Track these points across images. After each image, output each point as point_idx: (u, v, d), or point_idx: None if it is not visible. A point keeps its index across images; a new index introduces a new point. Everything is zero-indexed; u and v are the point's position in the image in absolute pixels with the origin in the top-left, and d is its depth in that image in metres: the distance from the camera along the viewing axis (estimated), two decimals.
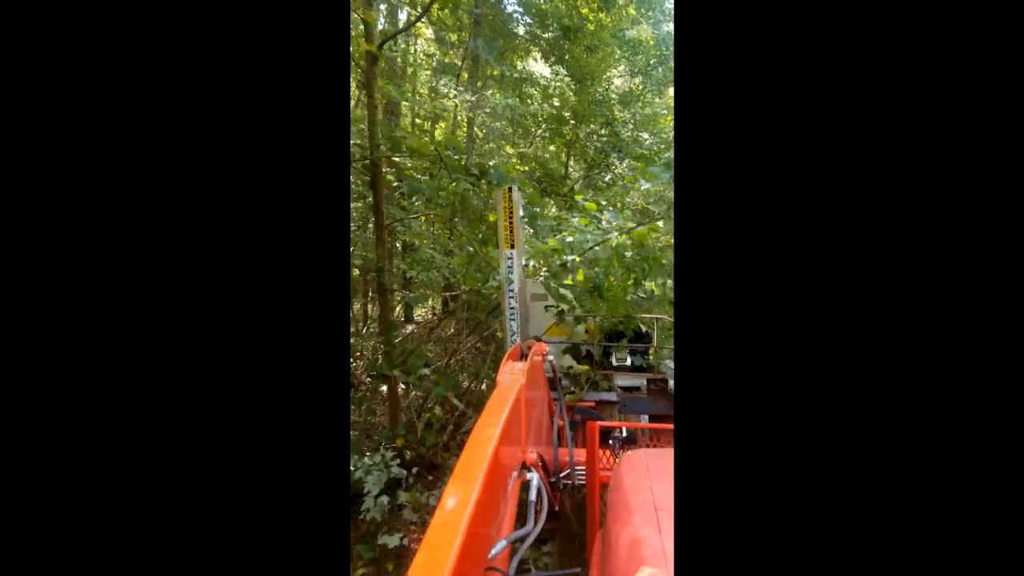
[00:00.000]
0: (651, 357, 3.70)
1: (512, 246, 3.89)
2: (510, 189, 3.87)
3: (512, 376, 1.65)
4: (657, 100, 11.23)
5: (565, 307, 3.59)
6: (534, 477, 1.53)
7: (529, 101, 9.64)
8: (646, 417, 3.34)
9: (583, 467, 2.38)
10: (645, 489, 1.30)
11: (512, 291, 3.86)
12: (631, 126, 10.24)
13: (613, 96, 10.38)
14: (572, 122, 9.93)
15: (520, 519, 1.39)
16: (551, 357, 2.40)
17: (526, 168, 10.07)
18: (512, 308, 3.86)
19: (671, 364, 3.60)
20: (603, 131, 10.20)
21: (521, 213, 3.98)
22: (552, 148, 10.73)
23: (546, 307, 4.01)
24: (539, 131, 10.13)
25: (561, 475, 2.32)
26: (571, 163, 10.78)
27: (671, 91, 11.36)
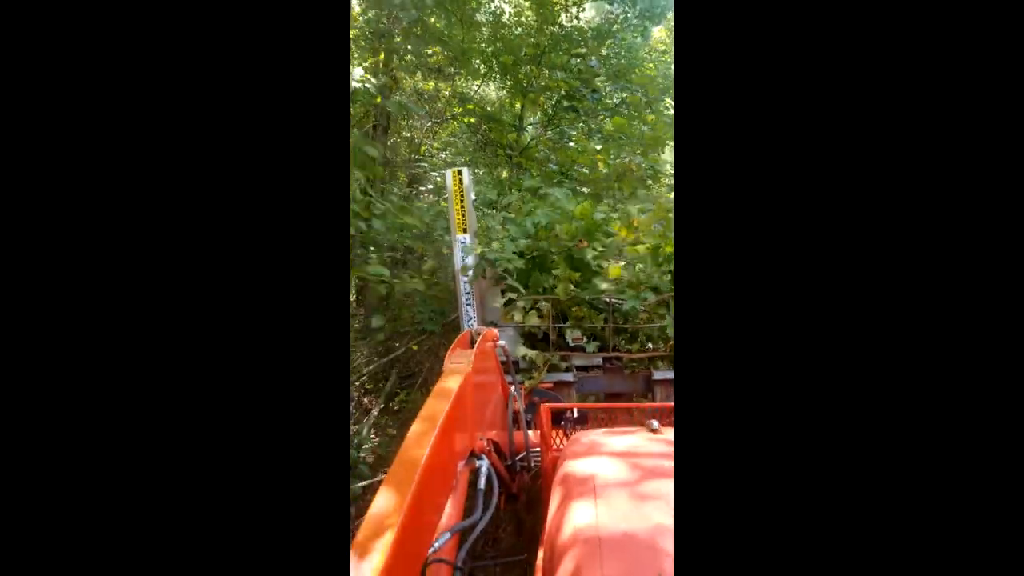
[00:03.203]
0: (607, 335, 3.74)
1: (465, 231, 3.84)
2: (460, 172, 3.81)
3: (458, 364, 1.63)
4: (639, 40, 8.40)
5: (513, 295, 3.58)
6: (484, 464, 1.52)
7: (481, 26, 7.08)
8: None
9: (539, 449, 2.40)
10: (585, 472, 1.31)
11: (466, 276, 3.82)
12: (604, 70, 7.71)
13: (586, 30, 7.75)
14: (528, 53, 7.26)
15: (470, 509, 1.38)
16: (502, 342, 2.39)
17: (470, 120, 7.85)
18: (467, 293, 3.83)
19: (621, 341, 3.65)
20: (573, 65, 7.53)
21: (473, 196, 3.93)
22: (504, 94, 8.21)
23: (503, 291, 3.99)
24: (485, 68, 7.63)
25: (518, 458, 2.33)
26: (529, 117, 8.28)
27: (658, 30, 8.91)
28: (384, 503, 0.94)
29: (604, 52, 7.83)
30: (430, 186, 7.32)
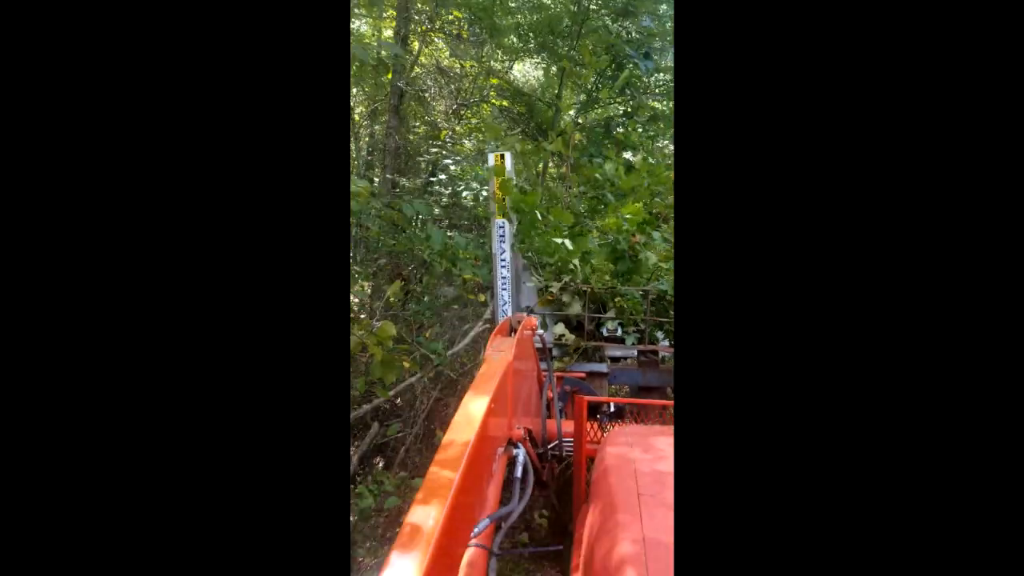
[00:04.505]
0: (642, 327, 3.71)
1: (505, 215, 3.84)
2: (503, 156, 3.79)
3: (500, 352, 1.64)
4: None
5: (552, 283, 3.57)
6: (520, 453, 1.53)
7: None
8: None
9: (572, 438, 2.41)
10: (628, 471, 1.31)
11: (504, 261, 3.83)
12: (659, 29, 6.36)
13: None
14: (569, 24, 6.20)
15: (506, 496, 1.40)
16: (541, 331, 2.39)
17: (502, 103, 7.18)
18: (503, 279, 3.84)
19: (660, 334, 3.61)
20: (620, 26, 6.33)
21: (515, 181, 3.91)
22: (540, 73, 7.43)
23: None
24: (520, 43, 6.62)
25: (549, 446, 2.35)
26: (570, 99, 7.39)
27: None
28: (432, 490, 0.96)
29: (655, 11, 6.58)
30: (443, 176, 6.36)
